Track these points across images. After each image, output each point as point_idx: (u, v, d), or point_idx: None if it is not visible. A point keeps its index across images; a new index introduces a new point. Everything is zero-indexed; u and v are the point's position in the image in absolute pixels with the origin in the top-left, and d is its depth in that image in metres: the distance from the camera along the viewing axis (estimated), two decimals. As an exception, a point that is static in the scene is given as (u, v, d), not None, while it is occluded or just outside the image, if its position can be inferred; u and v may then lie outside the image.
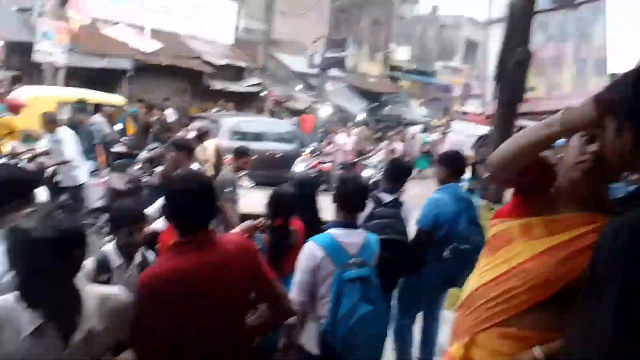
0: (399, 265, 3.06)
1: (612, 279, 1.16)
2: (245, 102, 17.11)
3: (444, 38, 28.55)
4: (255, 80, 17.15)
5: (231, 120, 10.65)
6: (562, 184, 1.59)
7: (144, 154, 7.12)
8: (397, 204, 3.45)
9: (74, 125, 7.66)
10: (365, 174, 10.48)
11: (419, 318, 3.73)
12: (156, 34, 15.47)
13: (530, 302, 1.51)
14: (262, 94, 17.17)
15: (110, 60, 13.53)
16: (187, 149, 4.59)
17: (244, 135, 10.19)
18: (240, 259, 1.88)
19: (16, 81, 14.17)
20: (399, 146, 12.26)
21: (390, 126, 17.36)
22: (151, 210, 3.63)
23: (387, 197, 3.44)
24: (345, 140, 12.09)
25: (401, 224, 3.28)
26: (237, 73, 17.05)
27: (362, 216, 3.18)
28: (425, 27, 27.46)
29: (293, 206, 3.14)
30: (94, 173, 7.16)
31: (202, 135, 7.40)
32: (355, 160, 11.74)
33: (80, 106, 8.90)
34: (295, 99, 18.48)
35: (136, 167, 6.73)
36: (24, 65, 13.69)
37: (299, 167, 10.14)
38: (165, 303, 1.73)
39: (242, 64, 17.11)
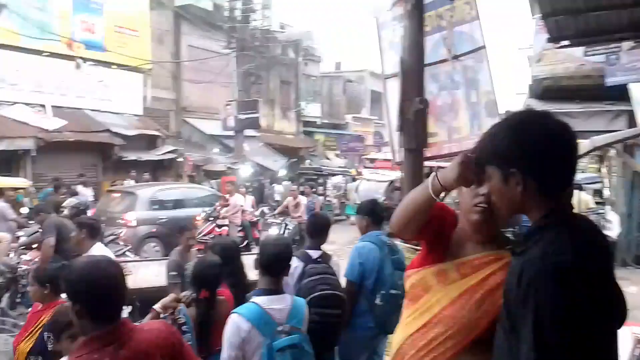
0: (341, 318, 3.04)
1: (524, 316, 1.20)
2: (161, 170, 16.73)
3: (350, 92, 29.99)
4: (170, 148, 16.89)
5: (148, 191, 10.35)
6: (464, 227, 1.66)
7: (23, 239, 6.72)
8: (325, 258, 3.46)
9: None
10: (272, 232, 10.51)
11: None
12: (58, 110, 14.88)
13: (457, 347, 1.54)
14: (178, 160, 16.90)
15: (11, 141, 12.77)
16: (89, 228, 4.31)
17: (162, 205, 9.90)
18: (162, 349, 1.75)
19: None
20: (303, 201, 11.68)
21: (312, 179, 17.66)
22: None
23: (314, 254, 3.44)
24: (241, 200, 11.04)
25: (334, 277, 3.28)
26: (149, 142, 16.73)
27: (292, 276, 3.15)
28: (331, 83, 28.73)
29: (218, 275, 3.06)
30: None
31: (80, 213, 6.90)
32: (255, 219, 11.32)
33: None
34: (213, 162, 18.36)
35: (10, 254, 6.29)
36: None
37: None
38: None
39: (154, 132, 16.84)
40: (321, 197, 15.38)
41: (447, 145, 4.00)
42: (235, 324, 2.33)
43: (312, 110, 26.61)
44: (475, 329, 1.52)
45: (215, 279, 3.04)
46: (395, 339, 1.70)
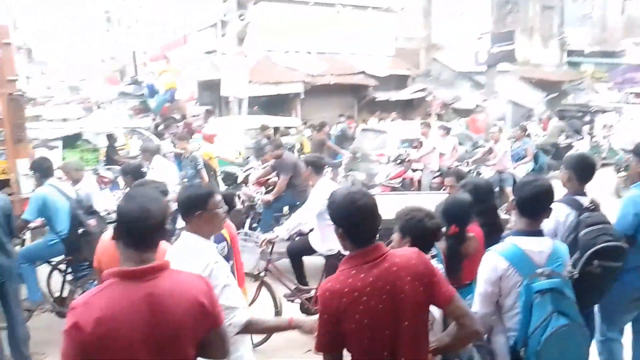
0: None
1: None
2: (410, 109, 17.06)
3: (630, 11, 24.86)
4: (419, 87, 17.00)
5: (398, 129, 10.78)
6: None
7: (258, 172, 7.61)
8: (596, 205, 3.07)
9: (176, 155, 8.60)
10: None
11: (628, 331, 3.27)
12: (321, 56, 16.37)
13: None
14: (427, 99, 16.92)
15: (284, 86, 14.68)
16: (313, 165, 4.70)
17: (411, 142, 10.16)
18: (411, 273, 1.87)
19: (209, 115, 16.26)
20: (500, 146, 9.13)
21: (576, 117, 15.64)
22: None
23: (584, 200, 3.05)
24: (437, 142, 9.40)
25: (613, 227, 2.88)
26: (400, 82, 17.12)
27: (564, 224, 2.89)
28: (605, 2, 24.27)
29: (468, 213, 3.05)
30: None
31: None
32: (455, 165, 9.30)
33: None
34: (462, 100, 17.82)
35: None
36: (214, 100, 15.63)
37: (380, 177, 8.82)
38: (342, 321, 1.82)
39: (405, 72, 17.12)
40: (581, 139, 13.12)
41: None
42: (492, 261, 2.29)
43: (579, 36, 23.10)
44: None
45: (465, 216, 3.04)
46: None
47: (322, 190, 4.38)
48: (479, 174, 8.90)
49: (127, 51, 32.63)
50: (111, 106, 30.64)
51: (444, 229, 2.90)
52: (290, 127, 10.83)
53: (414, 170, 9.17)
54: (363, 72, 16.10)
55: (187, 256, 2.22)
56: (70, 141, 9.89)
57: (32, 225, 4.79)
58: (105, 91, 34.45)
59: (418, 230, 2.43)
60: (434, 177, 8.91)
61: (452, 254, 2.91)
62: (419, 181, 8.97)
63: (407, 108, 17.06)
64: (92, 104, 36.54)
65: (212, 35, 16.85)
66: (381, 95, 16.04)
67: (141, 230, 1.68)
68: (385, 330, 1.84)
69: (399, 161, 9.14)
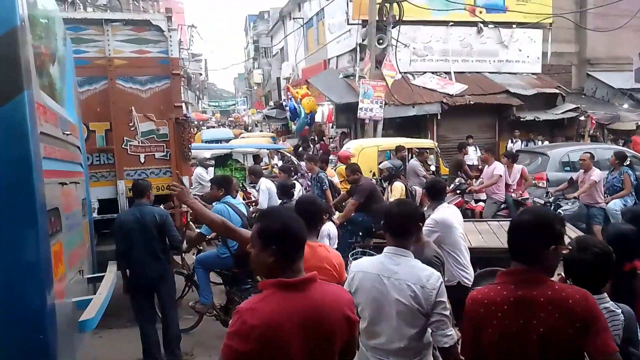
0: None
1: None
2: (558, 130, 15.79)
3: None
4: (570, 105, 15.65)
5: (559, 152, 10.01)
6: None
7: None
8: None
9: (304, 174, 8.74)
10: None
11: None
12: (461, 76, 15.96)
13: None
14: (580, 119, 15.50)
15: (420, 107, 14.54)
16: (430, 191, 4.65)
17: (573, 166, 9.39)
18: (561, 313, 1.83)
19: (345, 137, 16.69)
20: (586, 176, 7.77)
21: None
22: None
23: None
24: (501, 170, 8.27)
25: None
26: (548, 101, 15.93)
27: None
28: None
29: (633, 245, 2.73)
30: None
31: (392, 176, 7.57)
32: (526, 196, 8.19)
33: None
34: (621, 120, 16.00)
35: None
36: (350, 122, 16.00)
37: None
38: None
39: (553, 90, 15.91)
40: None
41: None
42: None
43: None
44: None
45: (635, 249, 2.70)
46: None
47: (437, 217, 4.22)
48: (558, 206, 7.69)
49: (272, 78, 35.15)
50: (257, 128, 33.28)
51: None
52: (425, 148, 10.60)
53: (476, 201, 8.53)
54: (506, 91, 15.30)
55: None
56: (222, 160, 10.83)
57: (208, 237, 5.31)
58: (253, 115, 37.51)
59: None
60: (499, 210, 8.05)
61: (625, 294, 2.57)
62: (481, 213, 8.18)
63: (556, 129, 15.81)
64: (241, 125, 39.83)
65: (351, 59, 17.37)
66: (527, 115, 15.07)
67: (299, 243, 1.85)
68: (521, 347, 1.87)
69: (458, 191, 8.50)
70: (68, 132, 3.81)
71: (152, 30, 5.79)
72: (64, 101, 4.04)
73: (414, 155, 10.30)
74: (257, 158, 11.65)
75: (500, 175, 8.12)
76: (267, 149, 12.40)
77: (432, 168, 10.46)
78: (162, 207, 5.32)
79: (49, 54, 3.69)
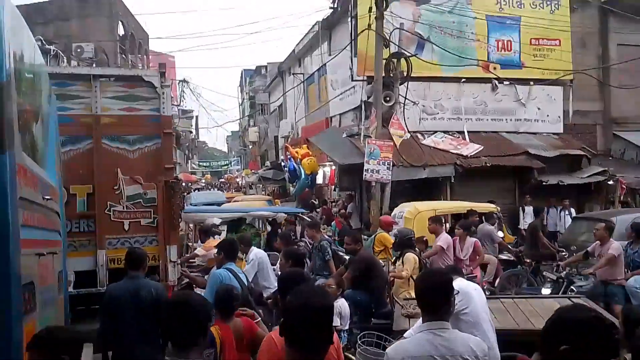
0: None
1: None
2: (585, 194, 15.84)
3: None
4: (597, 169, 15.79)
5: (625, 218, 9.63)
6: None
7: None
8: None
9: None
10: None
11: None
12: (475, 135, 16.23)
13: None
14: (609, 183, 15.59)
15: (432, 169, 14.68)
16: None
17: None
18: None
19: (350, 199, 16.76)
20: (602, 250, 7.49)
21: None
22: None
23: None
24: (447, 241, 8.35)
25: None
26: (572, 163, 16.10)
27: None
28: None
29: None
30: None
31: (406, 242, 7.43)
32: (474, 274, 8.20)
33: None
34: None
35: None
36: (355, 184, 16.11)
37: None
38: None
39: (577, 151, 16.12)
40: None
41: None
42: None
43: None
44: None
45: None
46: None
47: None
48: (570, 283, 7.59)
49: (269, 136, 35.78)
50: (251, 190, 33.45)
51: None
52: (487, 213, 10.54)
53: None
54: (526, 152, 15.50)
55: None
56: (235, 226, 10.75)
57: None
58: (247, 176, 37.84)
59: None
60: None
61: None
62: None
63: (582, 194, 15.87)
64: (233, 187, 39.98)
65: (355, 117, 17.75)
66: (549, 178, 15.18)
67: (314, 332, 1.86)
68: None
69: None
70: (48, 197, 3.84)
71: (144, 87, 5.97)
72: (46, 162, 4.09)
73: (483, 219, 10.32)
74: (274, 223, 11.60)
75: (442, 247, 8.07)
76: (286, 213, 12.40)
77: (500, 234, 10.44)
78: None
79: (33, 112, 3.79)
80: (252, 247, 7.78)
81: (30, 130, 3.59)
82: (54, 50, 19.22)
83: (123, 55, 29.66)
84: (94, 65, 20.74)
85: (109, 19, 29.00)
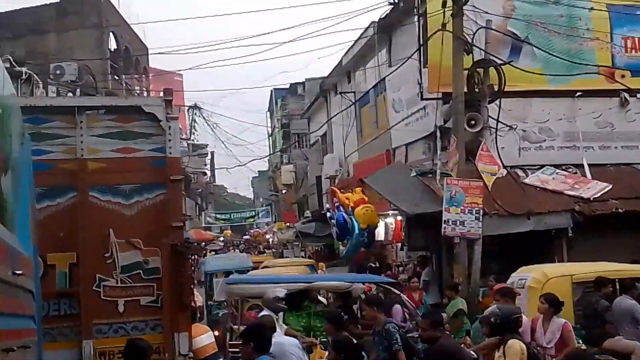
0: None
1: None
2: None
3: None
4: None
5: None
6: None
7: None
8: None
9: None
10: None
11: None
12: (599, 170, 15.91)
13: None
14: None
15: (540, 219, 14.39)
16: None
17: None
18: None
19: (424, 263, 16.61)
20: None
21: None
22: None
23: None
24: None
25: None
26: None
27: None
28: None
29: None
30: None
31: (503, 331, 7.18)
32: None
33: None
34: None
35: None
36: (430, 241, 15.93)
37: None
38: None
39: None
40: None
41: None
42: None
43: None
44: None
45: None
46: None
47: None
48: None
49: (309, 177, 35.99)
50: (287, 251, 33.49)
51: None
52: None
53: None
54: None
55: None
56: (295, 301, 10.69)
57: None
58: (279, 231, 37.98)
59: None
60: None
61: None
62: None
63: None
64: (261, 246, 40.27)
65: (427, 149, 17.70)
66: None
67: None
68: None
69: None
70: (19, 272, 3.92)
71: (144, 120, 6.13)
72: (16, 226, 4.20)
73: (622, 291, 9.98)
74: (348, 297, 11.49)
75: None
76: (365, 283, 12.28)
77: None
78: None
79: (1, 159, 3.92)
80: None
81: (-7, 183, 3.71)
82: (26, 72, 20.12)
83: (115, 77, 30.75)
84: (78, 91, 21.55)
85: (96, 30, 30.18)
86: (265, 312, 9.43)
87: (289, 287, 10.69)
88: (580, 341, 8.18)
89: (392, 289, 11.72)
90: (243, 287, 10.78)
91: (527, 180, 15.67)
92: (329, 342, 7.98)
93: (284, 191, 47.68)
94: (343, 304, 11.34)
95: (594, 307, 9.38)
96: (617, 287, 10.05)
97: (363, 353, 6.57)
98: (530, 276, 10.44)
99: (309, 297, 11.07)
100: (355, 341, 6.80)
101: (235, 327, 10.90)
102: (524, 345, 7.20)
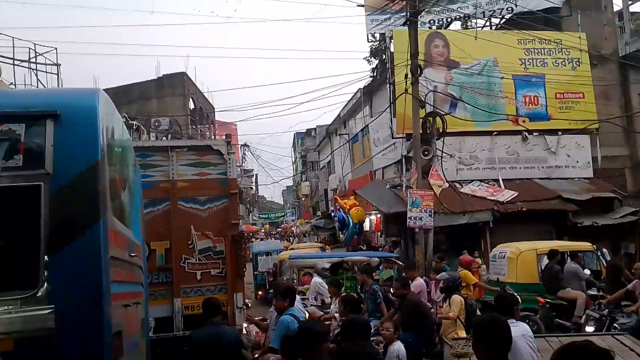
0: None
1: None
2: (621, 235, 14.99)
3: None
4: (629, 209, 15.01)
5: None
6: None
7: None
8: None
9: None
10: None
11: None
12: (509, 183, 15.83)
13: None
14: (641, 223, 14.75)
15: (472, 215, 14.31)
16: None
17: None
18: None
19: (396, 245, 16.45)
20: None
21: None
22: None
23: None
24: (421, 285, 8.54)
25: None
26: (605, 205, 15.38)
27: None
28: None
29: None
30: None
31: (451, 289, 7.19)
32: None
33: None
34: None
35: None
36: (400, 231, 15.84)
37: None
38: None
39: (608, 194, 15.42)
40: None
41: None
42: None
43: None
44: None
45: None
46: None
47: None
48: (613, 320, 7.10)
49: (320, 189, 36.04)
50: (305, 238, 33.45)
51: None
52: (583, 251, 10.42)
53: None
54: (559, 197, 14.94)
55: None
56: (334, 269, 10.84)
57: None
58: (301, 225, 37.98)
59: None
60: None
61: None
62: None
63: (616, 234, 15.03)
64: (289, 235, 40.10)
65: (396, 170, 17.67)
66: (584, 221, 14.50)
67: None
68: None
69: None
70: (134, 254, 3.95)
71: (213, 154, 6.17)
72: (131, 223, 4.23)
73: (571, 259, 10.06)
74: (368, 268, 11.48)
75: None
76: (378, 257, 12.28)
77: (587, 272, 10.04)
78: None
79: (122, 181, 3.95)
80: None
81: (119, 196, 3.74)
82: (135, 125, 20.24)
83: (193, 126, 30.94)
84: (169, 136, 21.68)
85: (181, 97, 30.53)
86: (316, 278, 9.56)
87: (330, 260, 10.76)
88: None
89: (396, 261, 12.01)
90: (301, 261, 10.92)
91: (462, 190, 15.57)
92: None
93: (303, 199, 47.61)
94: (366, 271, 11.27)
95: (551, 270, 9.35)
96: (567, 256, 10.21)
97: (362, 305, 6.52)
98: (508, 250, 10.58)
99: (342, 267, 11.02)
100: (356, 297, 6.76)
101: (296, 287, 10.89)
102: (462, 299, 7.14)
